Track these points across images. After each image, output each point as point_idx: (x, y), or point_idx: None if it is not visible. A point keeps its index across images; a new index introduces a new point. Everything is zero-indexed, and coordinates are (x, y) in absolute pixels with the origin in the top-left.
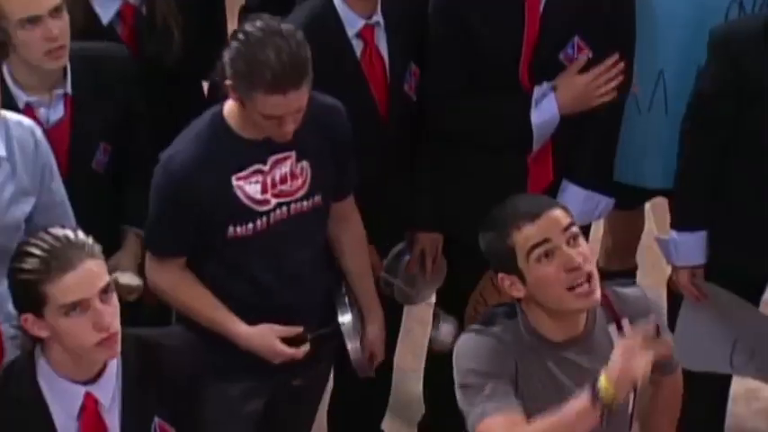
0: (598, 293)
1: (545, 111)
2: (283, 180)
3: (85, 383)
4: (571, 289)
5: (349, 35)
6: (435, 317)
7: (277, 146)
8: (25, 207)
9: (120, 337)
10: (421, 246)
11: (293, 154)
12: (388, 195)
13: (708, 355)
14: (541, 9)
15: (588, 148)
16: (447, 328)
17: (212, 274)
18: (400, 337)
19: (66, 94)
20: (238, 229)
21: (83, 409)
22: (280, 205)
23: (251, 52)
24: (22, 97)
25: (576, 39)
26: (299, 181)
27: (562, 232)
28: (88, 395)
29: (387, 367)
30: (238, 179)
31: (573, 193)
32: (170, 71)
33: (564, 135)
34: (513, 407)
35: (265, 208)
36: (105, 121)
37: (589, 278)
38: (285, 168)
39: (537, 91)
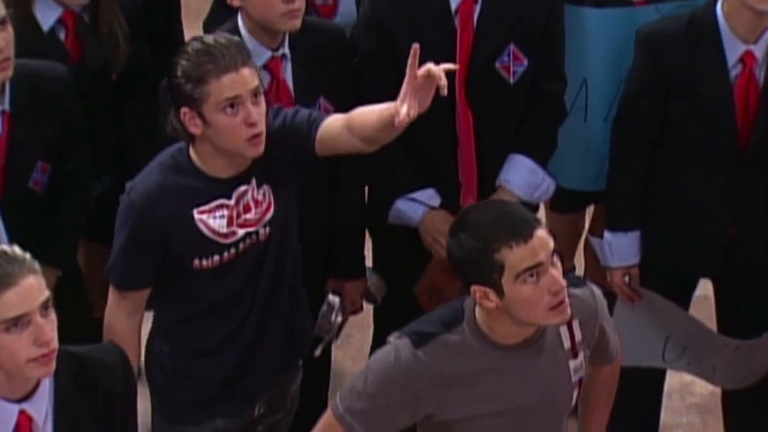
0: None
1: (409, 210)
2: (247, 209)
3: (19, 401)
4: (553, 308)
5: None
6: None
7: (240, 179)
8: None
9: (56, 354)
10: (351, 295)
11: (253, 181)
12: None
13: (641, 351)
14: (475, 19)
15: (534, 129)
16: (374, 282)
17: (176, 310)
18: (340, 342)
19: (3, 111)
20: (204, 261)
21: (16, 427)
22: (248, 234)
23: (197, 57)
24: None
25: (512, 47)
26: (264, 206)
27: (550, 254)
28: (22, 413)
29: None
30: (200, 212)
31: (519, 163)
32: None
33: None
34: None
35: (232, 240)
36: (43, 140)
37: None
38: (247, 197)
39: (424, 195)
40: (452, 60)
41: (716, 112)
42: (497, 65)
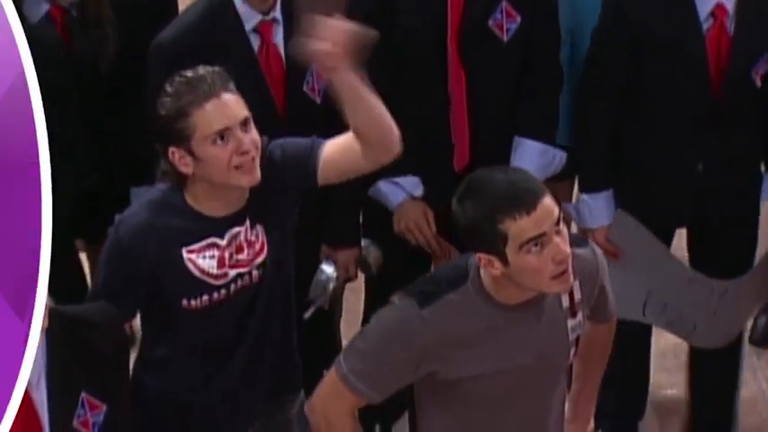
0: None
1: (390, 193)
2: (239, 249)
3: None
4: (555, 277)
5: (246, 29)
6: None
7: (235, 219)
8: None
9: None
10: (345, 263)
11: (246, 221)
12: None
13: (621, 304)
14: None
15: (536, 103)
16: (371, 252)
17: (167, 348)
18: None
19: None
20: (192, 301)
21: None
22: (240, 275)
23: (176, 90)
24: None
25: (504, 3)
26: (257, 247)
27: (554, 224)
28: None
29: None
30: (189, 252)
31: (529, 147)
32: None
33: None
34: (363, 395)
35: (222, 281)
36: None
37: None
38: (240, 238)
39: (409, 182)
40: (445, 19)
41: (689, 66)
42: (490, 22)
